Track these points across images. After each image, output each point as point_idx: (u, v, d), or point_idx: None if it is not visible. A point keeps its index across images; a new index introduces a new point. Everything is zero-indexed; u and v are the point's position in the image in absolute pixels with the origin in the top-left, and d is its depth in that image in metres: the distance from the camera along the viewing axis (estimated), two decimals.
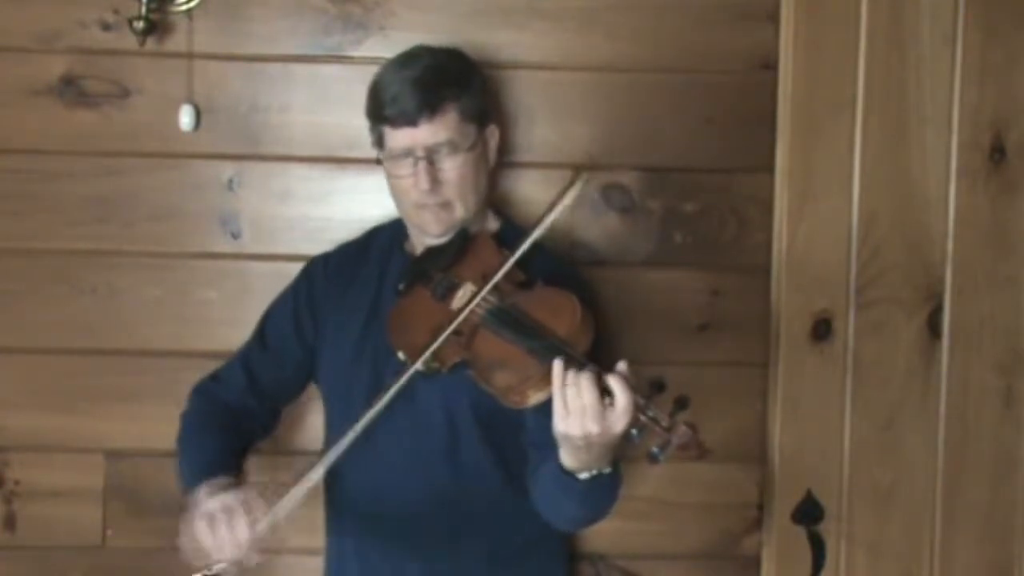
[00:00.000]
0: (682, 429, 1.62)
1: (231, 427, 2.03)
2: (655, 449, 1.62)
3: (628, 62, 2.28)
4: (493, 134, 2.05)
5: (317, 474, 1.82)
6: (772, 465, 2.30)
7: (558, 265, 2.05)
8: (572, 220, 2.29)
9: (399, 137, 1.94)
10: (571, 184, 1.88)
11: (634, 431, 1.62)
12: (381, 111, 1.96)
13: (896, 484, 2.30)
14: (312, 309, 2.08)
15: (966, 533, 2.32)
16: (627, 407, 1.60)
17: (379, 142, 2.00)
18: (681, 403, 1.64)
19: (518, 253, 1.85)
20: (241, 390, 2.07)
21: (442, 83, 1.94)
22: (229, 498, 1.80)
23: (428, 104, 1.92)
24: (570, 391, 1.62)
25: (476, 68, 2.06)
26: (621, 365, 1.64)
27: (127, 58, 2.24)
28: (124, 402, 2.28)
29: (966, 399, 2.30)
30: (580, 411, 1.61)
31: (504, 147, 2.25)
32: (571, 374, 1.63)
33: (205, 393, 2.09)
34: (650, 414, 1.62)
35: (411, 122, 1.92)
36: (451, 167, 1.94)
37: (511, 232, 2.05)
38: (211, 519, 1.78)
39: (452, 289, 1.89)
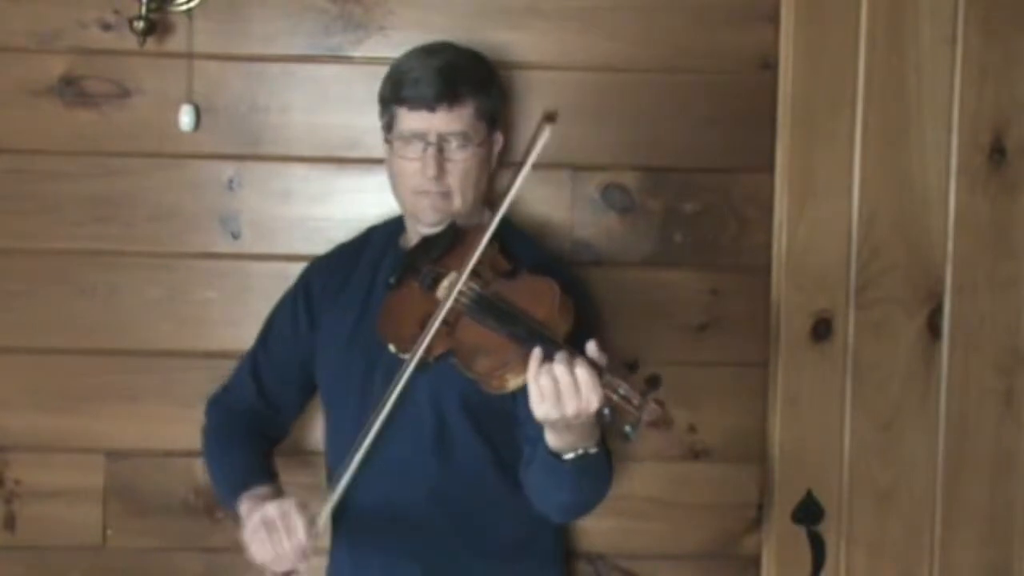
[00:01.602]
0: (651, 406, 1.66)
1: (252, 435, 2.07)
2: (627, 428, 1.66)
3: (628, 62, 2.28)
4: (498, 140, 2.08)
5: (345, 479, 1.86)
6: (772, 465, 2.30)
7: (546, 258, 2.07)
8: (572, 220, 2.29)
9: (414, 119, 1.96)
10: (538, 133, 1.87)
11: (606, 411, 1.66)
12: (400, 91, 1.98)
13: (896, 484, 2.30)
14: (309, 311, 2.09)
15: (966, 533, 2.32)
16: (595, 384, 1.64)
17: (389, 125, 2.01)
18: (652, 382, 1.67)
19: (496, 219, 1.86)
20: (252, 396, 2.10)
21: (464, 78, 1.97)
22: (278, 507, 1.84)
23: (449, 93, 1.95)
24: (543, 379, 1.65)
25: (496, 73, 2.08)
26: (590, 346, 1.67)
27: (127, 58, 2.24)
28: (124, 402, 2.28)
29: (966, 399, 2.30)
30: (554, 396, 1.64)
31: (504, 147, 2.26)
32: (544, 363, 1.66)
33: (219, 405, 2.12)
34: (621, 392, 1.66)
35: (429, 107, 1.95)
36: (459, 158, 1.97)
37: (505, 229, 2.05)
38: (268, 530, 1.82)
39: (438, 279, 1.90)
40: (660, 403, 1.66)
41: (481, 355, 1.76)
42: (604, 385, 1.65)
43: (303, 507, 1.83)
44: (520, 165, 1.86)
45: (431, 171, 1.95)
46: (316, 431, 2.25)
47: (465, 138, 1.97)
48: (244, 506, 1.91)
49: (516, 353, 1.72)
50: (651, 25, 2.27)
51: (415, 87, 1.96)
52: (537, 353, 1.68)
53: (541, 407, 1.66)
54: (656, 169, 2.30)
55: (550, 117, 1.88)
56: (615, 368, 1.67)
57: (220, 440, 2.08)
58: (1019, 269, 2.31)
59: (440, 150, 1.95)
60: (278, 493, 1.94)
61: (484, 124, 2.01)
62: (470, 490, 1.96)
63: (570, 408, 1.64)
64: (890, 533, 2.31)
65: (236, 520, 1.92)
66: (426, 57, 2.00)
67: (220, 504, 2.10)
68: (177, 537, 2.29)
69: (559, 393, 1.64)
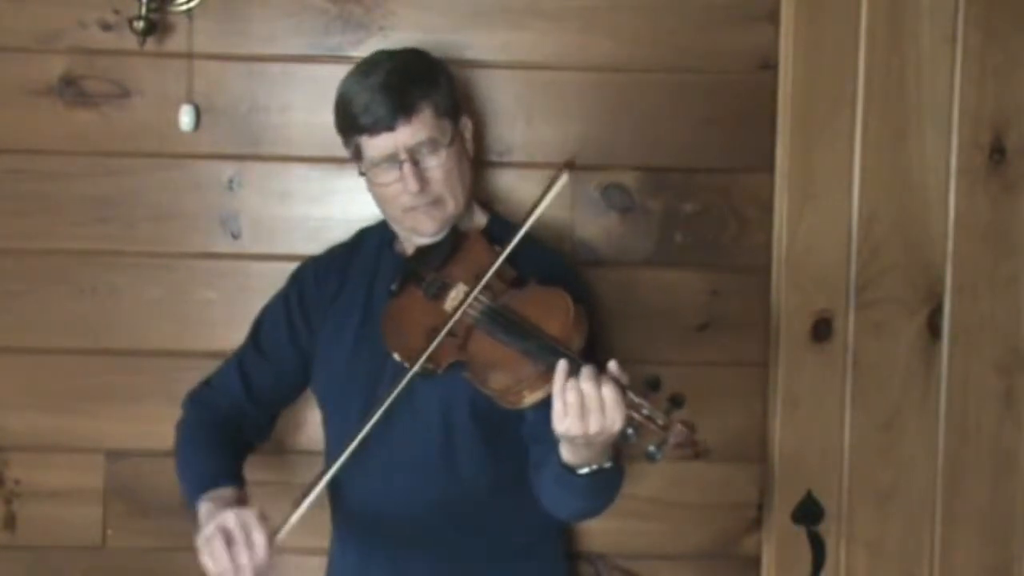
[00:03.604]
0: (678, 427, 1.64)
1: (229, 435, 2.02)
2: (652, 448, 1.64)
3: (628, 62, 2.28)
4: (467, 126, 2.05)
5: (320, 486, 1.82)
6: (772, 465, 2.30)
7: (552, 260, 2.05)
8: (572, 220, 2.29)
9: (379, 144, 1.93)
10: (555, 179, 1.87)
11: (630, 430, 1.64)
12: (355, 122, 1.94)
13: (896, 484, 2.30)
14: (304, 313, 2.07)
15: (966, 533, 2.32)
16: (620, 404, 1.62)
17: (357, 154, 1.99)
18: (676, 401, 1.65)
19: (507, 251, 1.85)
20: (237, 395, 2.06)
21: (411, 83, 1.93)
22: (238, 517, 1.75)
23: (402, 106, 1.91)
24: (570, 395, 1.63)
25: (440, 64, 2.04)
26: (612, 364, 1.65)
27: (127, 58, 2.24)
28: (124, 402, 2.29)
29: (966, 399, 2.30)
30: (578, 412, 1.62)
31: (504, 147, 2.26)
32: (570, 378, 1.64)
33: (200, 401, 2.07)
34: (645, 412, 1.64)
35: (388, 127, 1.91)
36: (436, 164, 1.94)
37: (500, 226, 2.05)
38: (225, 540, 1.73)
39: (444, 289, 1.89)
40: (687, 424, 1.64)
41: (496, 371, 1.75)
42: (627, 405, 1.62)
43: (264, 519, 1.75)
44: (533, 208, 1.85)
45: (413, 186, 1.91)
46: (308, 431, 2.25)
47: (434, 143, 1.93)
48: (204, 507, 1.83)
49: (532, 369, 1.70)
50: (651, 25, 2.27)
51: (367, 113, 1.92)
52: (563, 366, 1.65)
53: (564, 422, 1.64)
54: (656, 169, 2.30)
55: (569, 164, 1.88)
56: (636, 387, 1.65)
57: (195, 436, 2.01)
58: (1019, 269, 2.31)
59: (415, 163, 1.92)
60: (242, 500, 1.86)
61: (447, 120, 1.96)
62: (476, 496, 1.95)
63: (594, 425, 1.62)
64: (890, 533, 2.31)
65: (194, 522, 1.84)
66: (364, 79, 1.95)
67: (184, 497, 1.97)
68: (177, 537, 2.28)
69: (585, 409, 1.62)
